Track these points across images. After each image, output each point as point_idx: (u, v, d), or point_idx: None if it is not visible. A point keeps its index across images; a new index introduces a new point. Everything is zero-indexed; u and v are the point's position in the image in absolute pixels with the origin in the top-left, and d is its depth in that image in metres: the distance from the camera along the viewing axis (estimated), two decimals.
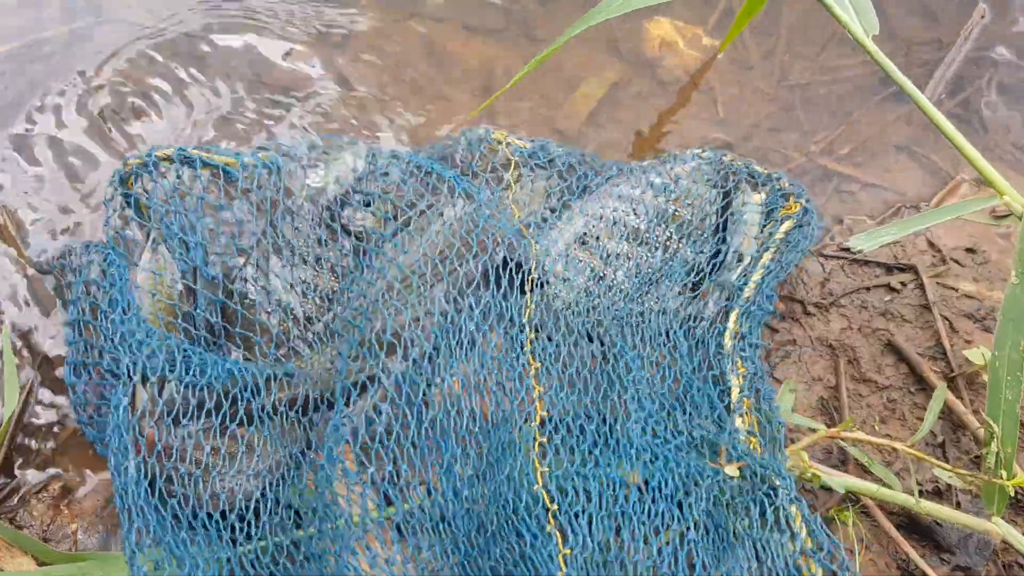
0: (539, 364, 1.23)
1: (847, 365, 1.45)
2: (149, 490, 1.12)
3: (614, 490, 1.11)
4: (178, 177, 1.34)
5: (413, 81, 1.86)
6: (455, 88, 1.87)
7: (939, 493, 1.34)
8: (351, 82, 1.84)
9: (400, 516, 1.16)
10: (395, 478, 1.16)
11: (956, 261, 1.58)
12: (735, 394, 1.25)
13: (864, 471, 1.32)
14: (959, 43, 1.98)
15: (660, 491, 1.11)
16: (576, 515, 1.06)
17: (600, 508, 1.09)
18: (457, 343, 1.24)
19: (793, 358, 1.46)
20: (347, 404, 1.21)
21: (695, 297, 1.40)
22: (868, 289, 1.54)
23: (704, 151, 1.56)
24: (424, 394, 1.21)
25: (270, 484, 1.20)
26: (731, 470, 1.15)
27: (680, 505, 1.11)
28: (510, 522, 1.08)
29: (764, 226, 1.45)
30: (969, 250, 1.60)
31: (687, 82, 1.90)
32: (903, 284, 1.54)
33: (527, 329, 1.27)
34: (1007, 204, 1.17)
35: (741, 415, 1.23)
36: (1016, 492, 1.22)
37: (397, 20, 1.95)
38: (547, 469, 1.10)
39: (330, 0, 1.97)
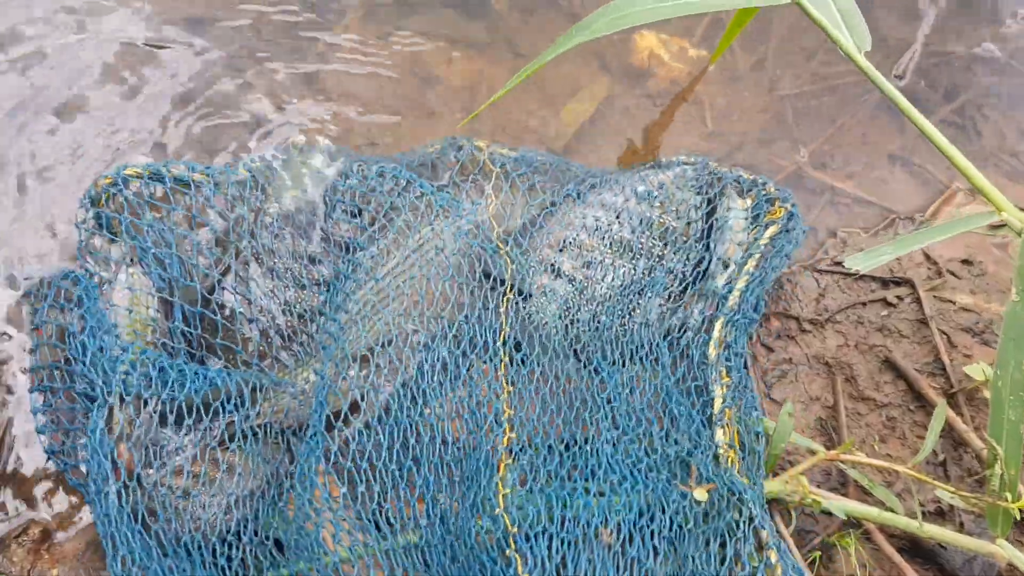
0: (511, 387, 1.23)
1: (845, 383, 1.43)
2: (132, 516, 1.09)
3: (577, 511, 1.10)
4: (150, 194, 1.34)
5: (397, 97, 1.83)
6: (439, 104, 1.83)
7: (942, 514, 1.31)
8: (333, 98, 1.81)
9: (376, 543, 1.13)
10: (375, 504, 1.14)
11: (952, 273, 1.55)
12: (718, 404, 1.23)
13: (865, 493, 1.29)
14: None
15: (624, 515, 1.10)
16: (536, 536, 1.05)
17: (561, 529, 1.08)
18: (430, 367, 1.24)
19: (790, 377, 1.43)
20: (328, 429, 1.19)
21: (679, 306, 1.37)
22: (864, 304, 1.51)
23: (690, 157, 1.54)
24: (409, 421, 1.19)
25: (252, 510, 1.17)
26: (699, 494, 1.13)
27: (643, 532, 1.09)
28: (474, 549, 1.07)
29: (749, 232, 1.43)
30: (965, 262, 1.57)
31: (676, 95, 1.88)
32: (899, 298, 1.52)
33: (501, 352, 1.26)
34: (1006, 221, 1.15)
35: (722, 427, 1.21)
36: (1021, 513, 1.19)
37: (381, 35, 1.92)
38: (508, 491, 1.10)
39: (312, 15, 1.93)
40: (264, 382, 1.24)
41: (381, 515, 1.14)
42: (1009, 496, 1.13)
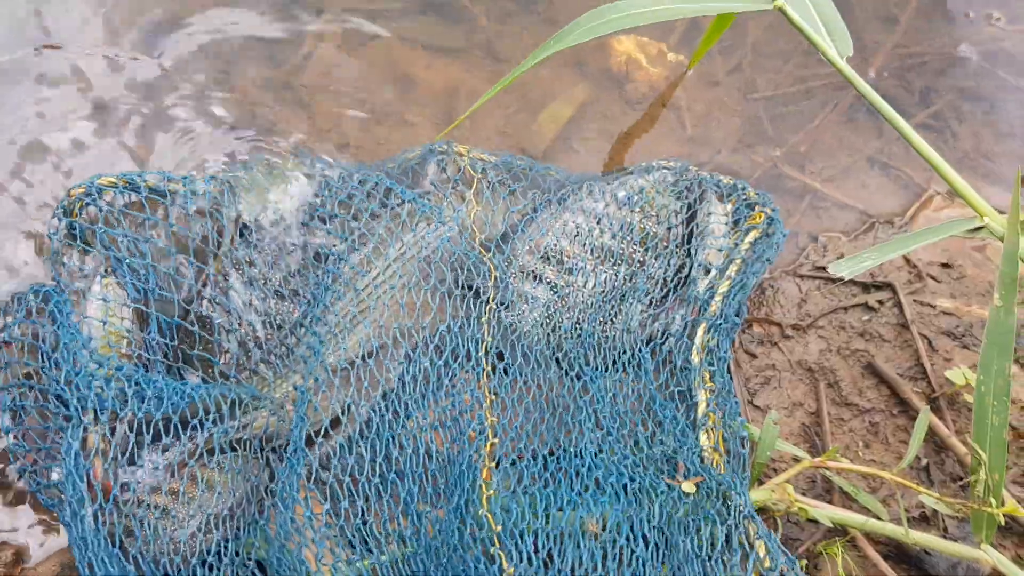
0: (494, 396, 1.22)
1: (828, 389, 1.43)
2: (109, 539, 1.06)
3: (562, 506, 1.10)
4: (125, 203, 1.32)
5: (375, 105, 1.81)
6: (418, 112, 1.82)
7: (926, 519, 1.31)
8: (311, 107, 1.79)
9: (359, 559, 1.12)
10: (358, 520, 1.13)
11: (932, 277, 1.56)
12: (701, 409, 1.23)
13: (850, 499, 1.29)
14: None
15: (611, 506, 1.09)
16: (521, 533, 1.05)
17: (547, 524, 1.07)
18: (412, 379, 1.23)
19: (773, 384, 1.43)
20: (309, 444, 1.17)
21: (661, 312, 1.37)
22: (846, 309, 1.51)
23: (670, 161, 1.54)
24: (391, 433, 1.18)
25: (232, 529, 1.15)
26: (687, 487, 1.13)
27: (631, 521, 1.09)
28: (459, 551, 1.07)
29: (730, 237, 1.42)
30: (945, 265, 1.58)
31: (654, 100, 1.87)
32: (880, 303, 1.52)
33: (484, 362, 1.25)
34: (987, 226, 1.15)
35: (706, 430, 1.20)
36: (1005, 518, 1.19)
37: (358, 43, 1.90)
38: (493, 492, 1.09)
39: (287, 22, 1.91)
40: (243, 395, 1.22)
41: (365, 530, 1.13)
42: (993, 502, 1.14)
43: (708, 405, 1.23)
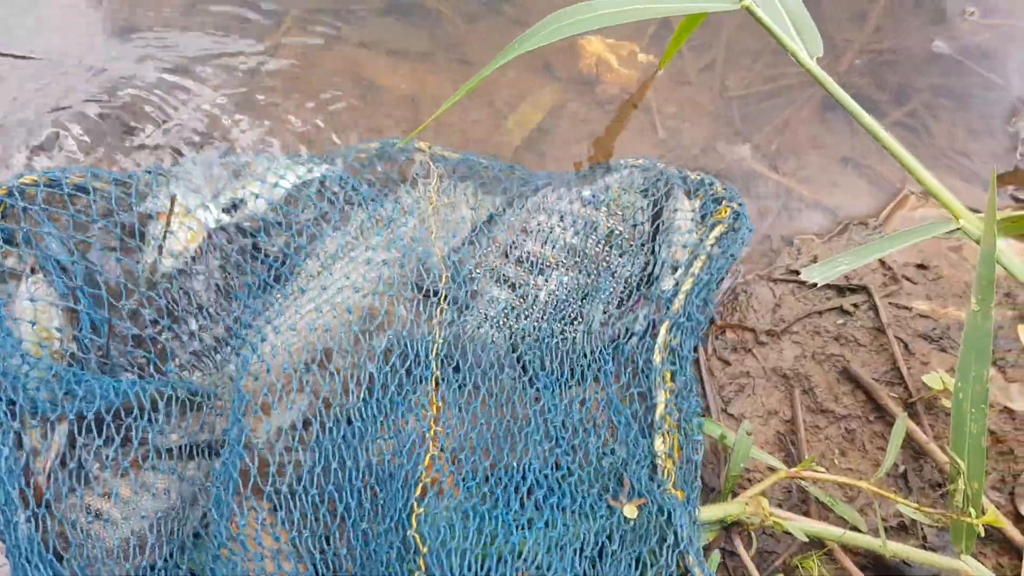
0: (441, 404, 1.19)
1: (803, 395, 1.40)
2: (43, 546, 1.02)
3: (495, 528, 1.05)
4: (48, 201, 1.30)
5: (339, 111, 1.77)
6: (383, 117, 1.78)
7: (904, 528, 1.28)
8: (274, 113, 1.74)
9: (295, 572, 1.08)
10: (294, 532, 1.09)
11: (908, 279, 1.53)
12: (660, 410, 1.19)
13: (826, 509, 1.26)
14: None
15: (544, 533, 1.05)
16: (448, 554, 1.00)
17: (476, 546, 1.03)
18: (356, 385, 1.19)
19: (747, 392, 1.40)
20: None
21: (624, 310, 1.33)
22: (820, 313, 1.48)
23: (638, 159, 1.51)
24: (332, 442, 1.14)
25: (168, 535, 1.11)
26: (629, 511, 1.09)
27: (563, 550, 1.05)
28: (388, 570, 1.03)
29: (696, 233, 1.39)
30: (920, 266, 1.55)
31: (625, 101, 1.84)
32: (855, 306, 1.49)
33: (434, 366, 1.22)
34: (963, 228, 1.12)
35: (662, 434, 1.17)
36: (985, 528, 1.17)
37: (320, 48, 1.85)
38: (422, 511, 1.05)
39: (249, 26, 1.86)
40: (180, 393, 1.17)
41: (301, 543, 1.08)
42: (973, 512, 1.11)
43: (667, 406, 1.19)
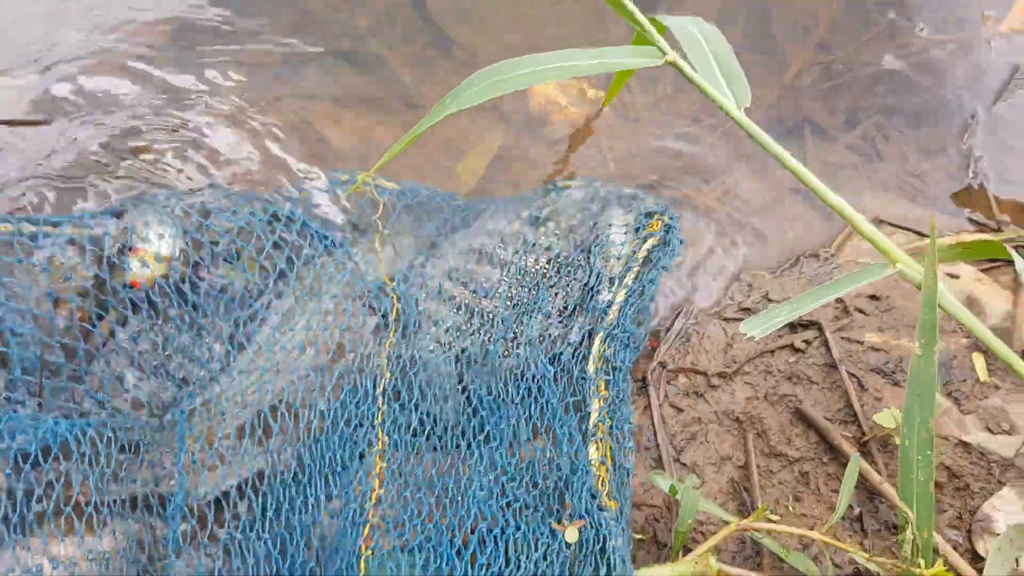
0: (387, 438, 1.19)
1: (756, 439, 1.38)
2: None
3: (439, 564, 1.05)
4: None
5: (283, 163, 1.75)
6: (329, 165, 1.76)
7: (860, 574, 1.27)
8: (211, 169, 1.72)
9: None
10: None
11: (860, 310, 1.52)
12: (593, 418, 1.22)
13: (780, 560, 1.24)
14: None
15: (487, 567, 1.05)
16: None
17: None
18: (306, 425, 1.20)
19: (699, 439, 1.38)
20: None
21: (560, 322, 1.37)
22: (772, 352, 1.47)
23: (574, 179, 1.54)
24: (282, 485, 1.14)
25: None
26: (570, 535, 1.09)
27: None
28: None
29: (628, 245, 1.43)
30: (872, 297, 1.54)
31: (574, 139, 1.83)
32: (807, 343, 1.48)
33: (380, 400, 1.23)
34: (901, 272, 1.11)
35: (596, 442, 1.19)
36: None
37: (265, 101, 1.84)
38: (370, 553, 1.05)
39: (189, 84, 1.85)
40: (120, 433, 1.15)
41: None
42: (922, 562, 1.10)
43: (600, 415, 1.22)
